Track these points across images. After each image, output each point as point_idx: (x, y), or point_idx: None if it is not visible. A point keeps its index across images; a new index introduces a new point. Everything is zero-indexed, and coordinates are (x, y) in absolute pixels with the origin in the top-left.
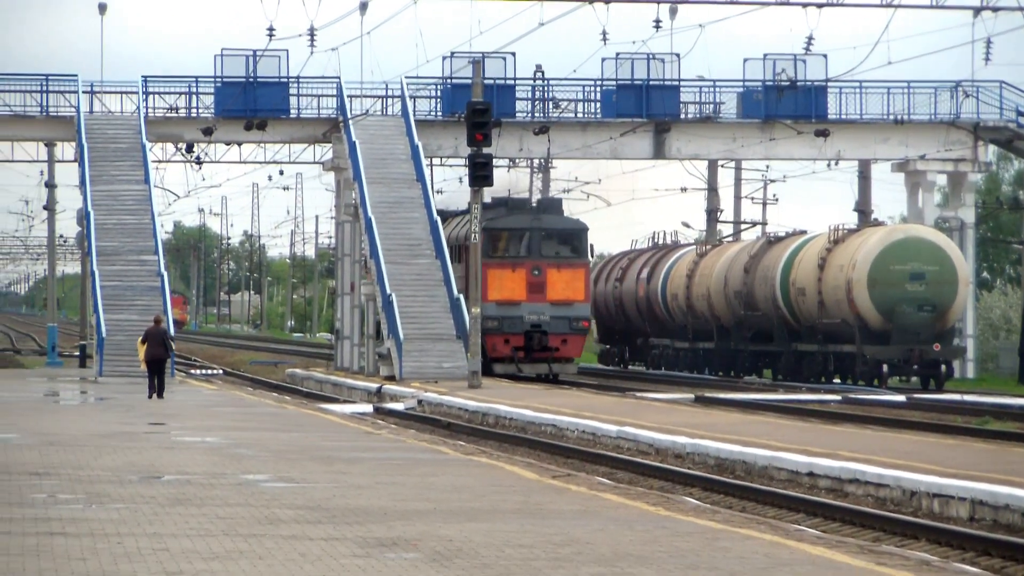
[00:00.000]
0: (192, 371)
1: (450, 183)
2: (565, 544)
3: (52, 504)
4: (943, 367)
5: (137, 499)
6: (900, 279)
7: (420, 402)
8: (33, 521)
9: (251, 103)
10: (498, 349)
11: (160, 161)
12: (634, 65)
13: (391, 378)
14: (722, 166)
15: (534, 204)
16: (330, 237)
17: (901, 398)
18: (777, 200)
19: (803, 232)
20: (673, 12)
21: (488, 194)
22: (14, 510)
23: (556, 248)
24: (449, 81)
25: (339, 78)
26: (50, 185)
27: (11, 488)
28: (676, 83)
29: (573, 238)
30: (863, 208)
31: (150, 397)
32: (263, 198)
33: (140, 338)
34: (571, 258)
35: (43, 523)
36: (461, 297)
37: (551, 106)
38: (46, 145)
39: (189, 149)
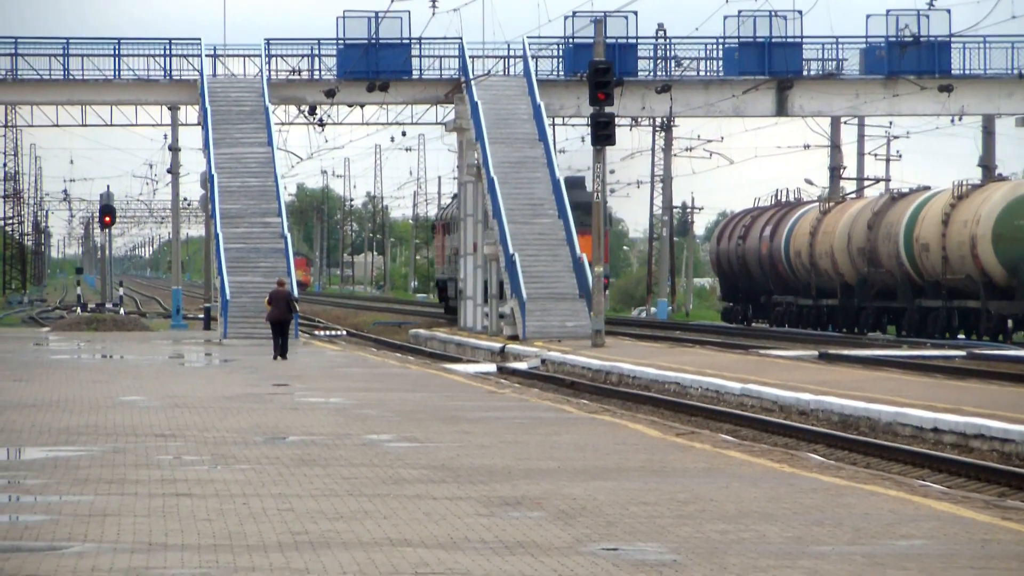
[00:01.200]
0: (316, 332)
1: (572, 142)
2: (690, 502)
3: (178, 465)
4: None
5: (262, 460)
6: None
7: (543, 361)
8: (160, 482)
9: (373, 65)
10: None
11: (283, 123)
12: (756, 22)
13: (514, 338)
14: (845, 123)
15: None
16: (453, 197)
17: None
18: (900, 157)
19: (927, 188)
20: None
21: None
22: (141, 471)
23: (580, 218)
24: (571, 40)
25: (461, 39)
26: (174, 148)
27: (138, 450)
28: (798, 40)
29: (591, 208)
30: (987, 163)
31: (275, 358)
32: (386, 159)
33: (267, 299)
34: (590, 224)
35: (169, 484)
36: (584, 256)
37: (673, 65)
38: (170, 109)
39: (312, 111)
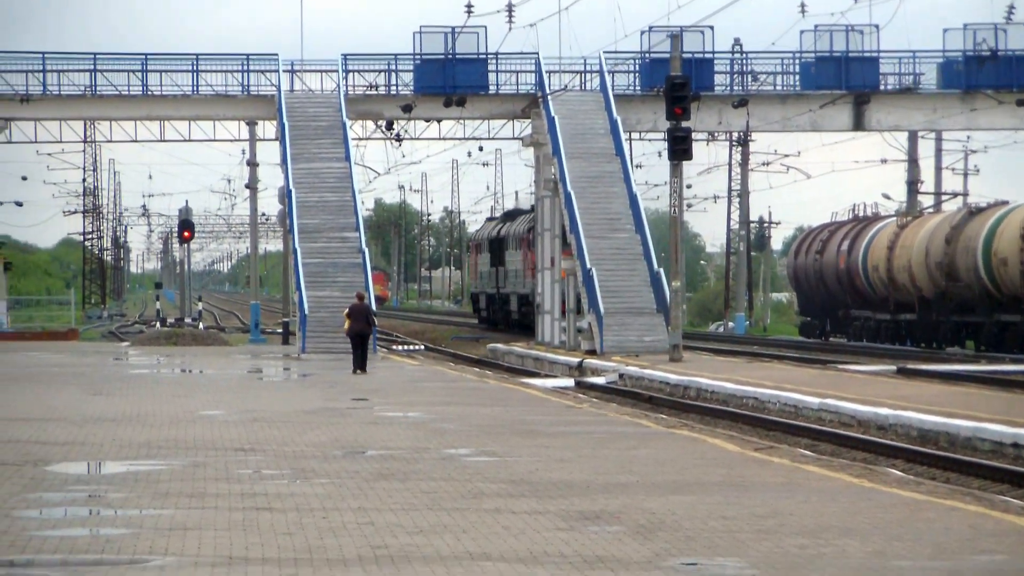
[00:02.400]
0: (394, 347)
1: (649, 157)
2: (768, 516)
3: (258, 479)
4: None
5: (342, 474)
6: None
7: (621, 376)
8: (240, 496)
9: (450, 80)
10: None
11: (360, 138)
12: (833, 37)
13: (592, 352)
14: (922, 137)
15: None
16: (487, 220)
17: None
18: (978, 171)
19: (1005, 203)
20: None
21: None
22: (221, 485)
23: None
24: (648, 55)
25: (537, 54)
26: (252, 163)
27: (218, 464)
28: (875, 54)
29: None
30: None
31: (355, 371)
32: (462, 174)
33: (346, 311)
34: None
35: (249, 498)
36: (661, 271)
37: (750, 79)
38: (248, 124)
39: (389, 126)
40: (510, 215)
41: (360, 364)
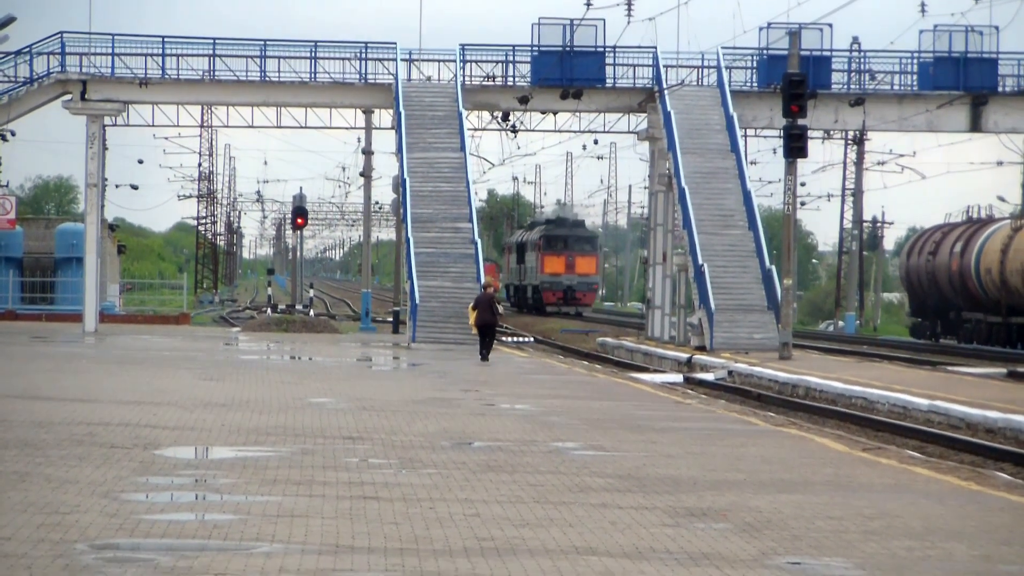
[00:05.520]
0: (504, 339)
1: (763, 154)
2: (876, 517)
3: (366, 468)
4: None
5: (449, 465)
6: None
7: (730, 372)
8: (347, 485)
9: (567, 72)
10: (549, 299)
11: (476, 129)
12: (952, 37)
13: (701, 348)
14: None
15: (571, 220)
16: (643, 207)
17: None
18: None
19: None
20: None
21: (543, 216)
22: (328, 473)
23: (581, 245)
24: (765, 52)
25: (655, 48)
26: (367, 152)
27: (326, 452)
28: (994, 56)
29: (590, 240)
30: None
31: (483, 360)
32: (577, 167)
33: (471, 305)
34: (588, 251)
35: (356, 487)
36: (773, 268)
37: (867, 78)
38: (364, 112)
39: (505, 117)
40: (531, 225)
41: (485, 352)
